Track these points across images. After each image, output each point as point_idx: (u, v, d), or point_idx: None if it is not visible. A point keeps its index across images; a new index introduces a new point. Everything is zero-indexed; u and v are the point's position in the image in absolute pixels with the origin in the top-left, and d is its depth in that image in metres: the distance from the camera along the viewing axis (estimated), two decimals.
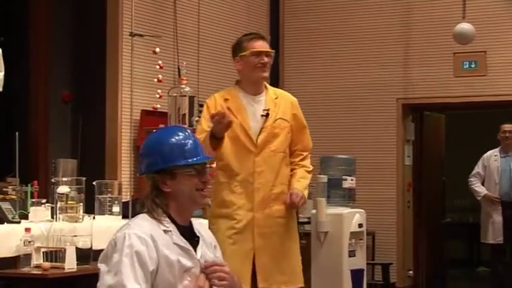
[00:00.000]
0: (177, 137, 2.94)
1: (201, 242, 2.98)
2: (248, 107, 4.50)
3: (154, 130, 3.26)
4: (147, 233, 2.83)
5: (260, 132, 4.48)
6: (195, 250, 2.93)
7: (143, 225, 2.86)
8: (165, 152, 2.90)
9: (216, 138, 4.21)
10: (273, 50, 4.55)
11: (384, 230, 9.28)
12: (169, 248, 2.85)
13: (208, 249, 3.02)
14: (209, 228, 3.98)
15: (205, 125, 4.39)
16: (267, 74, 4.50)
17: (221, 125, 4.16)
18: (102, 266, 2.84)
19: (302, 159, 4.67)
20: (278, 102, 4.58)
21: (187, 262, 2.87)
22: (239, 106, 4.49)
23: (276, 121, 4.53)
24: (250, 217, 4.41)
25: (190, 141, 2.94)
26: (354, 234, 6.68)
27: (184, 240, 2.90)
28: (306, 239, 7.25)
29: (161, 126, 7.06)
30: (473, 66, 9.14)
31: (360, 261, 6.73)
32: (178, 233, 2.89)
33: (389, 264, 9.05)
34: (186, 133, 2.97)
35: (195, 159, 2.91)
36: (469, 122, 12.33)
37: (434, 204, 10.28)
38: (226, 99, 4.49)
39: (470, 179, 8.96)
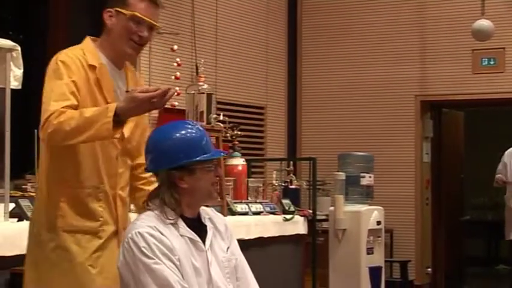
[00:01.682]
0: (192, 132, 2.93)
1: (210, 231, 2.97)
2: (115, 84, 3.23)
3: (168, 124, 2.98)
4: (156, 228, 2.84)
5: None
6: (204, 240, 2.93)
7: (150, 221, 2.87)
8: (182, 148, 2.89)
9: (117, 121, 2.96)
10: (160, 26, 3.33)
11: (402, 227, 9.25)
12: (179, 242, 2.86)
13: (221, 236, 3.01)
14: (58, 250, 3.11)
15: (68, 89, 3.04)
16: (137, 54, 3.30)
17: (146, 105, 2.96)
18: (127, 274, 2.83)
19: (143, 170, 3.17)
20: (138, 79, 3.43)
21: (195, 262, 2.88)
22: (109, 82, 3.19)
23: None
24: (113, 232, 3.21)
25: (205, 137, 2.94)
26: (372, 232, 6.68)
27: (192, 232, 2.90)
28: (323, 236, 7.26)
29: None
30: (492, 63, 9.10)
31: (378, 259, 6.73)
32: (185, 225, 2.90)
33: (408, 262, 9.02)
34: (198, 128, 2.97)
35: (211, 154, 2.92)
36: (488, 119, 12.27)
37: (453, 201, 10.25)
38: (91, 66, 3.15)
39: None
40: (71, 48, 3.20)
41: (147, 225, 2.84)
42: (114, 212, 3.21)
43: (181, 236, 2.87)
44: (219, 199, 3.11)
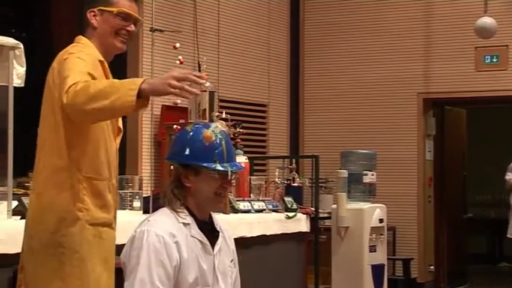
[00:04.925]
0: (212, 137, 2.92)
1: (220, 237, 2.98)
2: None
3: (197, 123, 3.03)
4: (166, 230, 2.84)
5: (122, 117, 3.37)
6: (213, 245, 2.93)
7: (162, 221, 2.87)
8: (195, 148, 2.89)
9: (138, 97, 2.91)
10: (142, 20, 3.45)
11: (404, 225, 9.25)
12: (188, 243, 2.86)
13: (228, 247, 3.02)
14: (87, 239, 3.04)
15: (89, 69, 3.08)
16: (126, 48, 3.39)
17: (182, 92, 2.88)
18: (124, 265, 2.87)
19: None
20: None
21: (203, 263, 2.88)
22: (111, 76, 3.28)
23: None
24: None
25: (223, 146, 2.92)
26: (374, 229, 6.68)
27: (202, 235, 2.91)
28: (326, 234, 7.26)
29: (181, 121, 7.07)
30: (494, 60, 9.09)
31: (380, 257, 6.73)
32: (197, 227, 2.90)
33: (410, 260, 9.02)
34: (220, 136, 2.95)
35: (220, 166, 2.89)
36: (491, 117, 12.26)
37: (456, 199, 10.24)
38: (101, 62, 3.25)
39: (506, 178, 8.82)
40: (75, 46, 3.23)
41: (158, 226, 2.84)
42: (115, 205, 3.23)
43: (192, 237, 2.88)
44: (221, 208, 3.03)
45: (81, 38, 3.29)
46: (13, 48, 4.73)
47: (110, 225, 3.12)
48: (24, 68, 4.80)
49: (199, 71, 7.50)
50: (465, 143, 10.64)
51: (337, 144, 9.14)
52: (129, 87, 2.88)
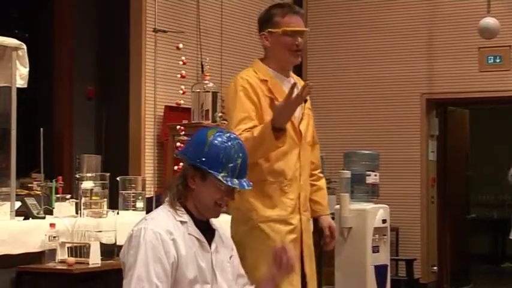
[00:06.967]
0: (231, 150, 2.92)
1: (216, 236, 3.01)
2: (286, 90, 3.65)
3: (221, 129, 3.03)
4: (163, 227, 2.86)
5: (301, 120, 3.81)
6: (210, 243, 2.96)
7: (160, 219, 2.90)
8: (211, 155, 2.89)
9: (276, 130, 3.45)
10: (308, 29, 3.88)
11: (407, 225, 9.24)
12: (185, 240, 2.88)
13: (225, 244, 3.04)
14: (256, 235, 3.62)
15: (250, 108, 3.63)
16: (300, 59, 3.85)
17: (291, 106, 3.45)
18: (123, 264, 2.89)
19: (318, 164, 4.07)
20: (299, 87, 3.71)
21: (201, 261, 2.90)
22: (280, 89, 3.73)
23: (306, 109, 3.88)
24: (298, 220, 3.75)
25: (239, 162, 2.91)
26: (377, 230, 6.68)
27: (199, 232, 2.93)
28: None
29: (184, 121, 7.07)
30: (498, 61, 9.08)
31: (383, 257, 6.73)
32: (194, 225, 2.93)
33: (413, 260, 9.02)
34: (239, 151, 2.95)
35: (230, 181, 2.89)
36: (494, 117, 12.26)
37: (459, 199, 10.24)
38: (263, 81, 3.73)
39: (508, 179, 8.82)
40: (245, 71, 3.81)
41: (156, 223, 2.86)
42: (299, 203, 3.73)
43: (189, 234, 2.90)
44: (218, 217, 3.07)
45: (254, 60, 3.87)
46: (16, 49, 4.74)
47: (285, 221, 3.65)
48: (27, 69, 4.82)
49: (202, 71, 7.51)
50: (468, 144, 10.64)
51: (340, 145, 9.13)
52: (269, 137, 3.44)
